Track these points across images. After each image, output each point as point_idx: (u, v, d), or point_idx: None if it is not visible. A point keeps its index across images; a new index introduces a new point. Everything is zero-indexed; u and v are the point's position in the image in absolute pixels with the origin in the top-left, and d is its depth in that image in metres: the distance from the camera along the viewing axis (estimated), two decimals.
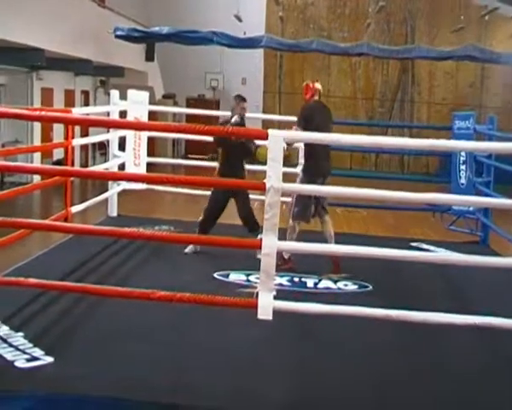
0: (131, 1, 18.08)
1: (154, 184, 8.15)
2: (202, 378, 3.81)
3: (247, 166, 6.73)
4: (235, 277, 5.89)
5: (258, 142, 6.26)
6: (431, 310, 3.89)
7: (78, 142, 8.97)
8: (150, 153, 8.78)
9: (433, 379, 4.00)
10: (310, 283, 5.89)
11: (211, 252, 6.45)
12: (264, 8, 20.20)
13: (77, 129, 13.77)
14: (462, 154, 8.14)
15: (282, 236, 4.55)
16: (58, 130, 13.28)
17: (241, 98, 6.62)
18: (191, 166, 9.63)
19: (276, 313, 3.82)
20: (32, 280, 4.11)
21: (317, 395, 3.77)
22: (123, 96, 8.15)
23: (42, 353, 3.95)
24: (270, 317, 3.82)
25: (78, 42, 13.03)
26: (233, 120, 6.43)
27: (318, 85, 6.40)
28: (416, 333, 4.43)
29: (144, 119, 8.06)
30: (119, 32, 13.75)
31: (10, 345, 4.04)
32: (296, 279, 5.95)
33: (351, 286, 5.85)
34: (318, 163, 6.08)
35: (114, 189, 8.08)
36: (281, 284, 5.61)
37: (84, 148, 16.49)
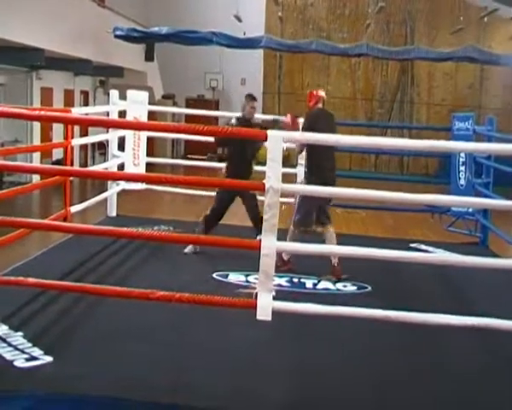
0: (131, 1, 18.08)
1: (154, 185, 8.15)
2: (202, 378, 3.82)
3: None
4: (235, 277, 5.89)
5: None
6: (430, 311, 3.88)
7: (77, 142, 8.96)
8: (149, 153, 8.78)
9: (433, 379, 4.00)
10: (309, 283, 5.89)
11: (210, 252, 6.45)
12: (264, 8, 20.21)
13: (76, 129, 13.79)
14: (462, 155, 8.15)
15: (282, 236, 4.55)
16: (57, 130, 13.29)
17: (251, 98, 6.65)
18: (190, 166, 9.63)
19: (276, 313, 3.82)
20: (32, 280, 4.10)
21: (316, 395, 3.77)
22: (122, 97, 8.16)
23: (41, 352, 3.95)
24: (269, 317, 3.81)
25: (77, 42, 13.02)
26: (233, 120, 6.46)
27: (322, 93, 6.33)
28: (416, 333, 4.43)
29: (143, 119, 8.07)
30: (118, 32, 13.76)
31: (9, 345, 4.04)
32: (295, 280, 5.95)
33: (350, 287, 5.86)
34: (325, 174, 5.94)
35: (114, 189, 8.08)
36: (280, 285, 5.61)
37: (83, 148, 16.49)
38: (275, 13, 19.63)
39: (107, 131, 8.26)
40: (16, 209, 9.44)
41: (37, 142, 13.76)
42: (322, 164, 5.99)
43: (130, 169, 7.98)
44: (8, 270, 5.35)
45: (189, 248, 6.59)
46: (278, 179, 3.69)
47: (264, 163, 3.90)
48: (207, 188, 8.25)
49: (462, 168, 8.23)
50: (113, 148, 8.12)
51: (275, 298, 3.85)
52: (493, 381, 4.10)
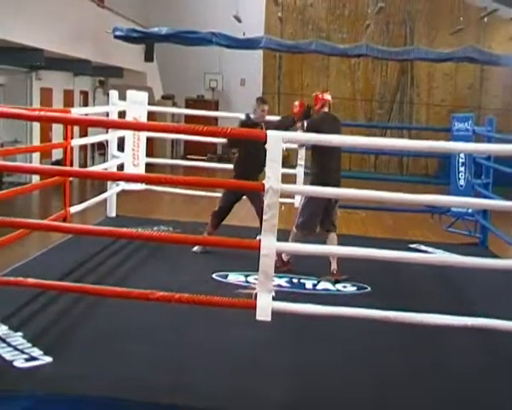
0: (130, 1, 18.09)
1: (153, 185, 8.15)
2: (201, 379, 3.81)
3: None
4: (234, 277, 5.89)
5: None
6: (429, 311, 3.88)
7: (77, 142, 8.98)
8: (149, 153, 8.78)
9: (433, 379, 4.00)
10: (308, 284, 5.89)
11: (209, 252, 6.46)
12: (264, 8, 20.22)
13: (76, 129, 13.82)
14: (461, 155, 8.15)
15: (282, 236, 4.55)
16: (57, 130, 13.31)
17: (262, 101, 6.67)
18: (190, 166, 9.63)
19: (275, 313, 3.82)
20: (31, 280, 4.10)
21: (316, 395, 3.77)
22: (122, 97, 8.15)
23: (41, 353, 3.94)
24: (268, 318, 3.81)
25: (77, 42, 13.03)
26: (243, 117, 6.60)
27: (328, 96, 6.24)
28: (416, 333, 4.43)
29: (143, 119, 8.06)
30: (117, 33, 13.77)
31: (9, 345, 4.04)
32: (295, 280, 5.94)
33: (349, 288, 5.85)
34: (330, 175, 5.91)
35: (113, 189, 8.07)
36: (279, 285, 5.61)
37: (83, 148, 16.49)
38: (274, 13, 19.65)
39: (107, 132, 8.25)
40: (16, 210, 9.44)
41: (36, 142, 13.77)
42: (326, 165, 5.97)
43: (129, 169, 7.98)
44: (8, 270, 5.34)
45: (197, 247, 6.58)
46: (278, 180, 3.69)
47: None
48: (207, 188, 8.27)
49: (462, 169, 8.23)
50: (112, 148, 8.11)
51: (274, 298, 3.84)
52: (493, 381, 4.10)
